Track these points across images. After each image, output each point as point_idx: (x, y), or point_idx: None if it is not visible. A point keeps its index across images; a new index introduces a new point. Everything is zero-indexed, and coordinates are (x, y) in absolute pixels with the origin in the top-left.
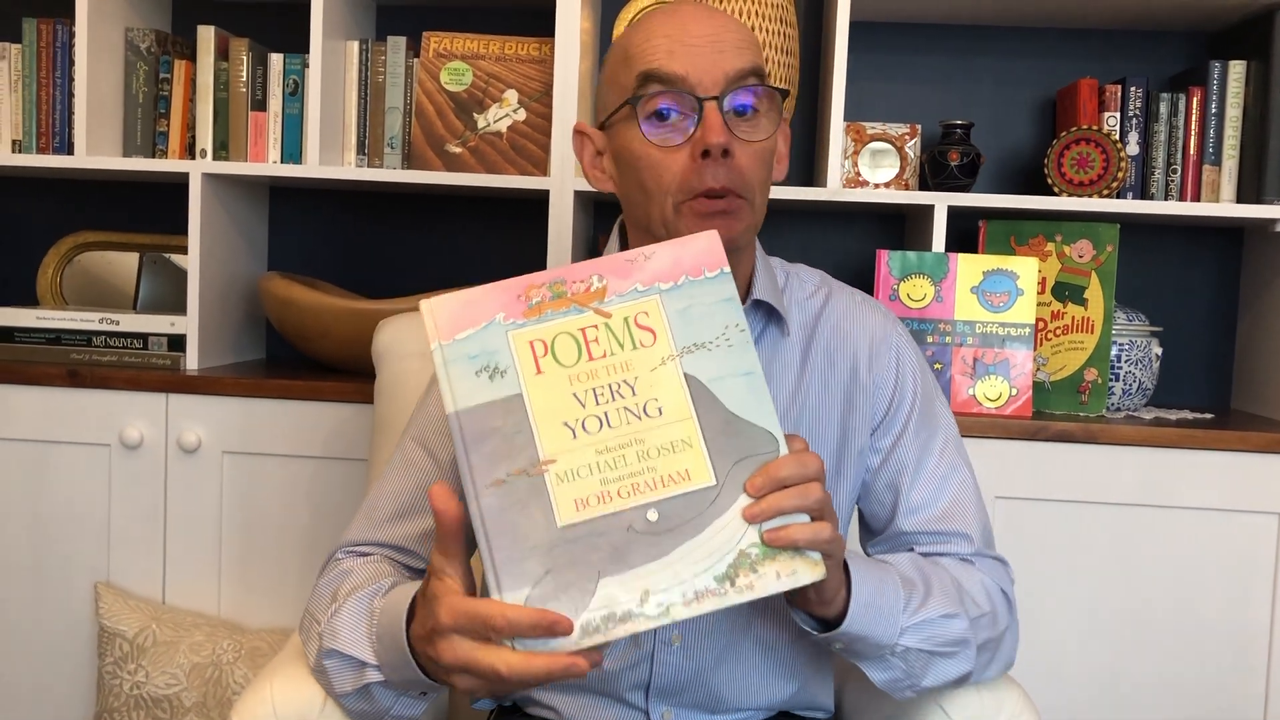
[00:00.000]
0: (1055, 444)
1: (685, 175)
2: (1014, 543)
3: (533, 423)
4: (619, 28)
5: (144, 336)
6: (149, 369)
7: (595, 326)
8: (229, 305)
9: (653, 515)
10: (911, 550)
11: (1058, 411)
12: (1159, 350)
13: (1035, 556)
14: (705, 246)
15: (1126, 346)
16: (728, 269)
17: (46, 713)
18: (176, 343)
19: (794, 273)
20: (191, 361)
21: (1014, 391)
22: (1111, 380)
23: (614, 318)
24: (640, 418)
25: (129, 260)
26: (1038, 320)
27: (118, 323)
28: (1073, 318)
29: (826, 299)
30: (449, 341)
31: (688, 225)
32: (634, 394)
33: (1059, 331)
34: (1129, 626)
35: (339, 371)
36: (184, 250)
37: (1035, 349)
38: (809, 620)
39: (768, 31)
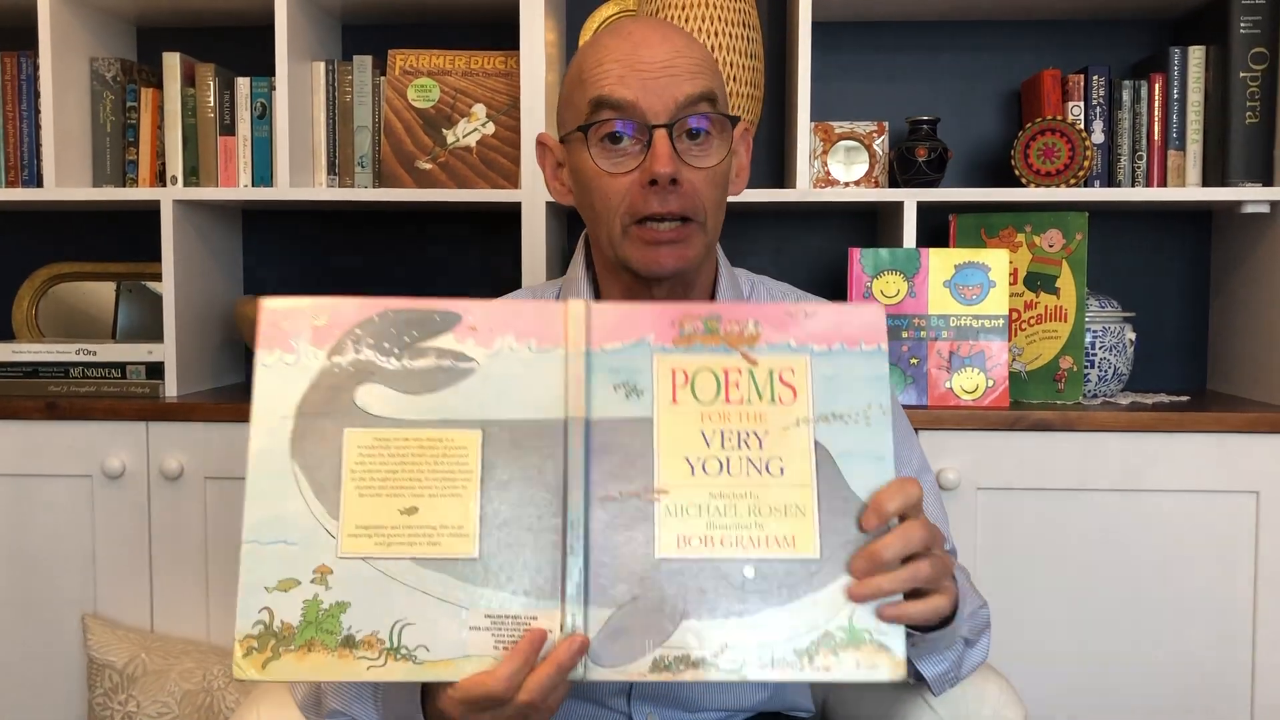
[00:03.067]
0: (1033, 433)
1: (633, 200)
2: (996, 533)
3: (656, 449)
4: (584, 38)
5: (122, 366)
6: (128, 398)
7: (739, 370)
8: (206, 331)
9: (749, 571)
10: None
11: (1035, 401)
12: (1133, 336)
13: (1017, 546)
14: (869, 320)
15: (1100, 333)
16: (885, 346)
17: None
18: (155, 370)
19: (759, 282)
20: (171, 389)
21: (990, 383)
22: (1087, 367)
23: (760, 366)
24: (761, 473)
25: (105, 290)
26: (1011, 311)
27: (95, 353)
28: (1046, 307)
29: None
30: (596, 350)
31: (634, 250)
32: (760, 448)
33: (1033, 321)
34: (1113, 611)
35: None
36: (159, 277)
37: (1010, 340)
38: None
39: (730, 35)
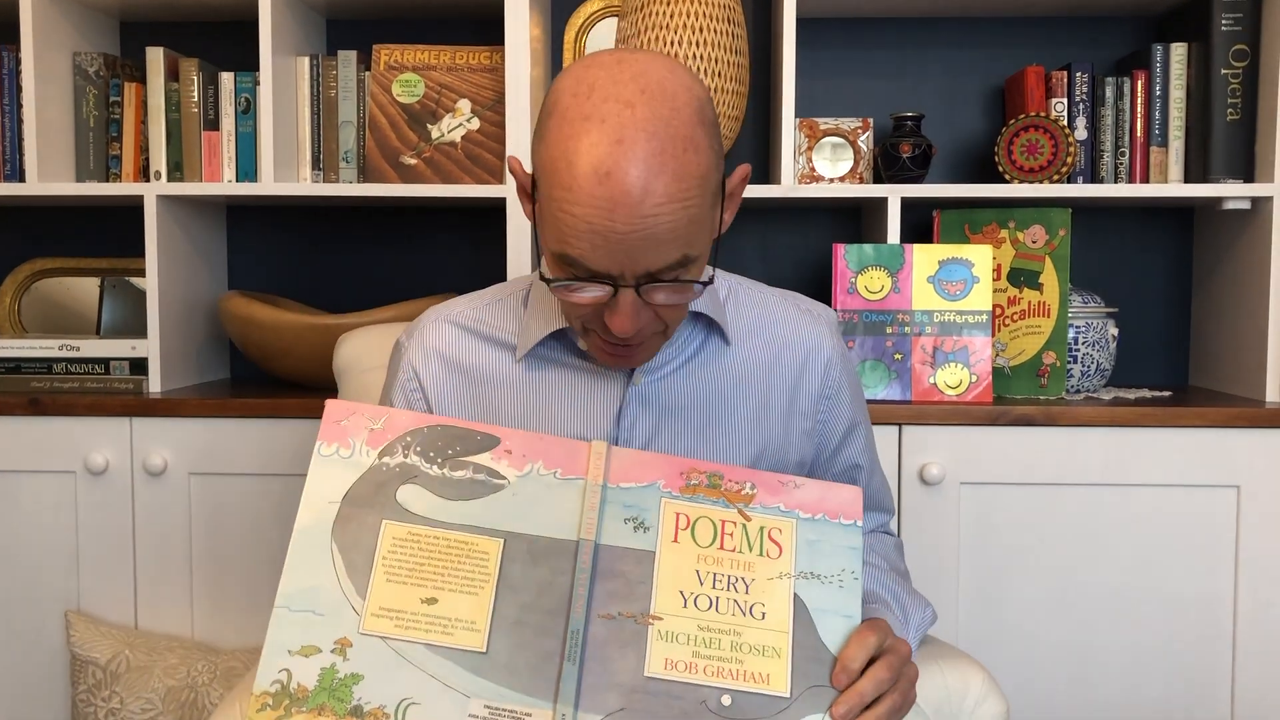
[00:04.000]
0: (1017, 428)
1: (594, 320)
2: (978, 528)
3: (655, 579)
4: (569, 34)
5: (105, 361)
6: (112, 394)
7: (734, 523)
8: (190, 326)
9: (726, 700)
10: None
11: (1018, 396)
12: (1115, 331)
13: (1000, 540)
14: (849, 498)
15: (1083, 329)
16: (860, 522)
17: None
18: (139, 366)
19: (738, 282)
20: (154, 384)
21: (974, 378)
22: (1070, 363)
23: (753, 523)
24: (744, 614)
25: (89, 285)
26: (995, 306)
27: (78, 349)
28: (1029, 302)
29: (764, 307)
30: (613, 485)
31: (594, 349)
32: (746, 592)
33: (1016, 317)
34: (1095, 605)
35: (304, 388)
36: (143, 273)
37: (993, 335)
38: None
39: (715, 31)
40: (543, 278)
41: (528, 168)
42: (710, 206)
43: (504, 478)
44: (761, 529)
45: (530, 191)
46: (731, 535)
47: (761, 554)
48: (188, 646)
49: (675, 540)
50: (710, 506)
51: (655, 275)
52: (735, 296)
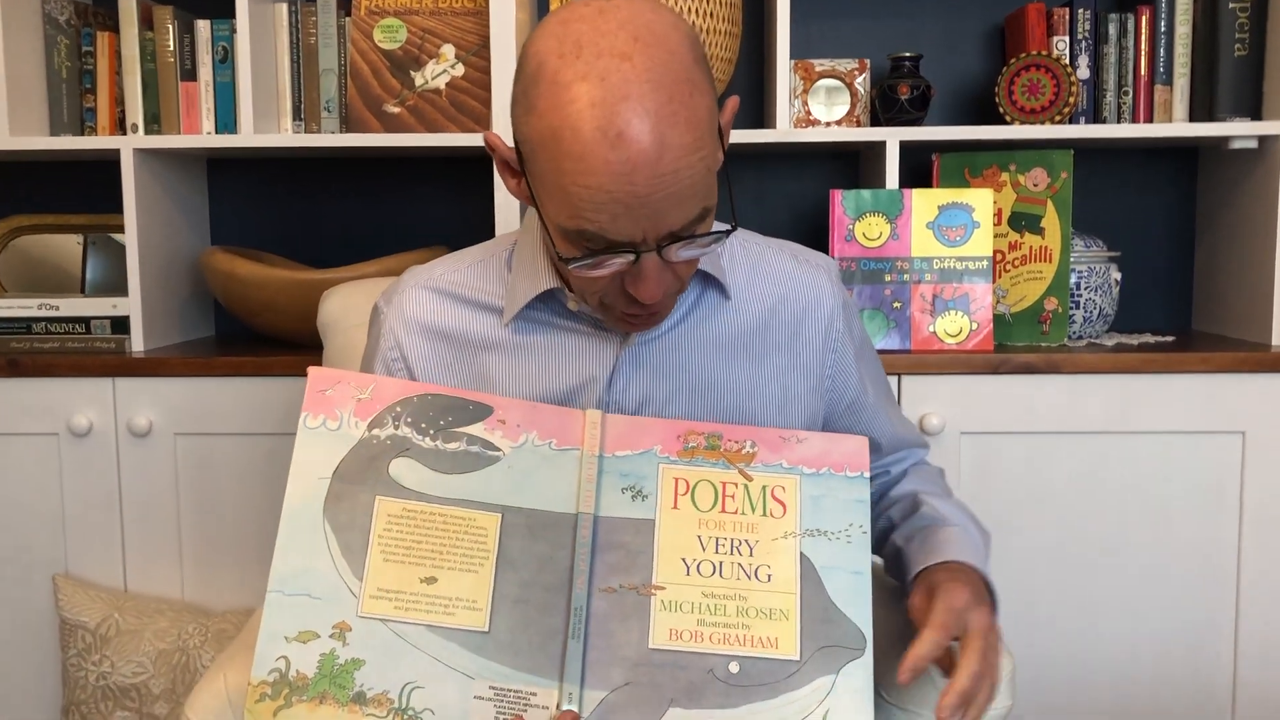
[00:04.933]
0: (1018, 376)
1: (612, 292)
2: (980, 477)
3: (656, 548)
4: None
5: (86, 320)
6: (93, 354)
7: (735, 484)
8: (173, 283)
9: (734, 667)
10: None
11: (1019, 343)
12: (1118, 275)
13: (1003, 489)
14: (855, 449)
15: (1085, 274)
16: (867, 474)
17: (14, 708)
18: (120, 325)
19: (735, 235)
20: (137, 343)
21: (974, 326)
22: (1072, 309)
23: (754, 483)
24: (750, 578)
25: (71, 242)
26: (995, 252)
27: (57, 308)
28: (1030, 248)
29: (760, 259)
30: (609, 454)
31: (607, 318)
32: (751, 555)
33: (1017, 262)
34: (1099, 554)
35: (289, 345)
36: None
37: (994, 281)
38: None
39: None
40: (560, 258)
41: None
42: (716, 149)
43: (498, 449)
44: (764, 488)
45: (517, 168)
46: (733, 497)
47: (765, 514)
48: (178, 609)
49: (675, 507)
50: (710, 469)
51: (677, 234)
52: (730, 248)
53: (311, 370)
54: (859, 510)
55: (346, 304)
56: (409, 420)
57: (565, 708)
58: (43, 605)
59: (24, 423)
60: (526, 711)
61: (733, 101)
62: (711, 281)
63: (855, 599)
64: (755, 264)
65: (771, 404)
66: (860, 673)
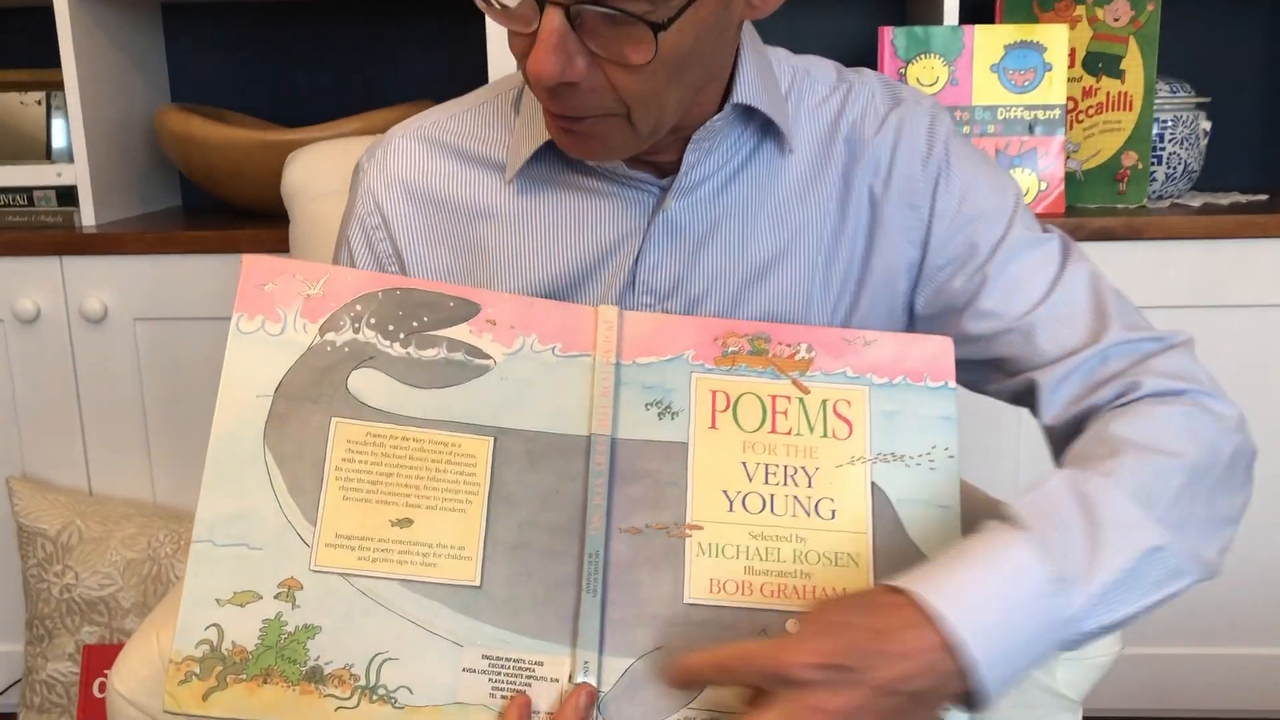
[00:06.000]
0: (1093, 243)
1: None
2: None
3: (690, 478)
4: None
5: (27, 191)
6: (37, 229)
7: (789, 399)
8: (128, 148)
9: (793, 627)
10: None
11: (1093, 205)
12: (1207, 125)
13: None
14: (936, 351)
15: (1170, 124)
16: (953, 383)
17: None
18: (67, 196)
19: (803, 69)
20: (88, 217)
21: (1043, 186)
22: (1153, 164)
23: (812, 396)
24: (809, 514)
25: (29, 102)
26: (1068, 99)
27: None
28: (1107, 94)
29: (844, 101)
30: (628, 362)
31: (550, 128)
32: (810, 485)
33: (1091, 111)
34: None
35: (264, 217)
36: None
37: (1066, 134)
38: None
39: None
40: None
41: None
42: None
43: (488, 356)
44: (824, 403)
45: None
46: (786, 414)
47: (826, 435)
48: (147, 513)
49: (713, 426)
50: (756, 379)
51: None
52: (798, 87)
53: (245, 259)
54: (944, 429)
55: (315, 168)
56: (373, 321)
57: (580, 679)
58: None
59: None
60: (530, 685)
61: None
62: (772, 128)
63: (941, 540)
64: (843, 104)
65: (850, 288)
66: None
